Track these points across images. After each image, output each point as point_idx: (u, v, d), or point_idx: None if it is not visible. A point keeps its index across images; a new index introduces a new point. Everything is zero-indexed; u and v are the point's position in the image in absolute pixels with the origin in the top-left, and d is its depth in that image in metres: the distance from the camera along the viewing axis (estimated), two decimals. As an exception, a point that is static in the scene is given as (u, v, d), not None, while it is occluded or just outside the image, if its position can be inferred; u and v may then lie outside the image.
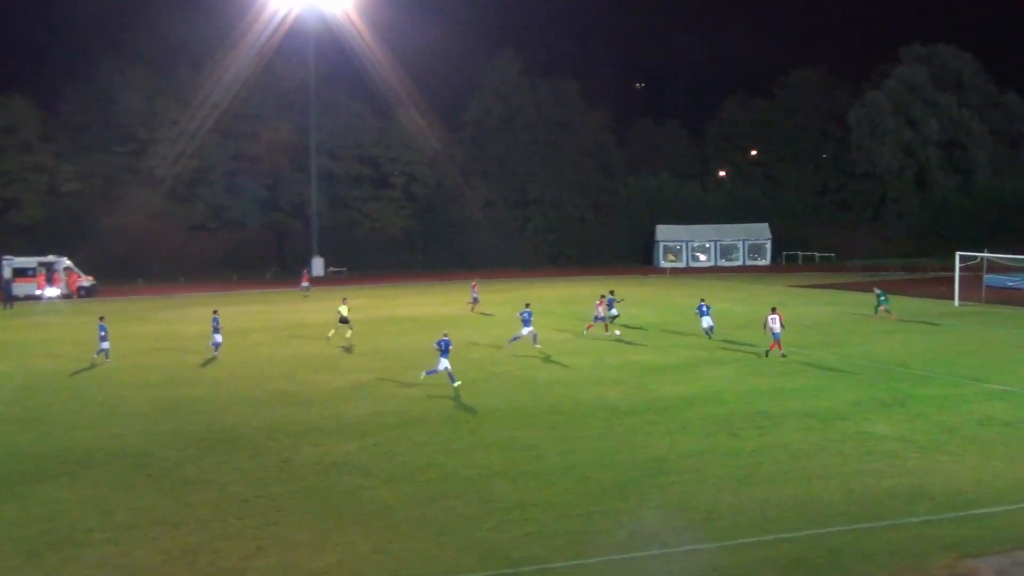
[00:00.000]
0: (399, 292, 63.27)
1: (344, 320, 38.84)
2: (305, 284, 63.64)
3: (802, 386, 27.89)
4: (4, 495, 18.27)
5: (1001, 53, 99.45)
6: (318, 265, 77.91)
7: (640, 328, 40.99)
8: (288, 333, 41.83)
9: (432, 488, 18.38)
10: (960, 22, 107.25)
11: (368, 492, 18.24)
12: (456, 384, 27.82)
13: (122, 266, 70.02)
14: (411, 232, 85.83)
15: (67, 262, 63.18)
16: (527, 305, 36.88)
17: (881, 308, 43.82)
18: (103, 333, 33.29)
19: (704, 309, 37.97)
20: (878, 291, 45.10)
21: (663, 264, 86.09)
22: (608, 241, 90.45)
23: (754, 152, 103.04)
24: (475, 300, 49.69)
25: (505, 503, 17.42)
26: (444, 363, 28.06)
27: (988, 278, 54.75)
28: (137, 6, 79.09)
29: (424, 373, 28.68)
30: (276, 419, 24.45)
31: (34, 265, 61.81)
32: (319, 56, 79.21)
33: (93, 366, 32.97)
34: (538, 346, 35.06)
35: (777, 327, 32.64)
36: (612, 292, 41.95)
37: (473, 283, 51.39)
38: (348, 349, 36.56)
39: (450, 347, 28.35)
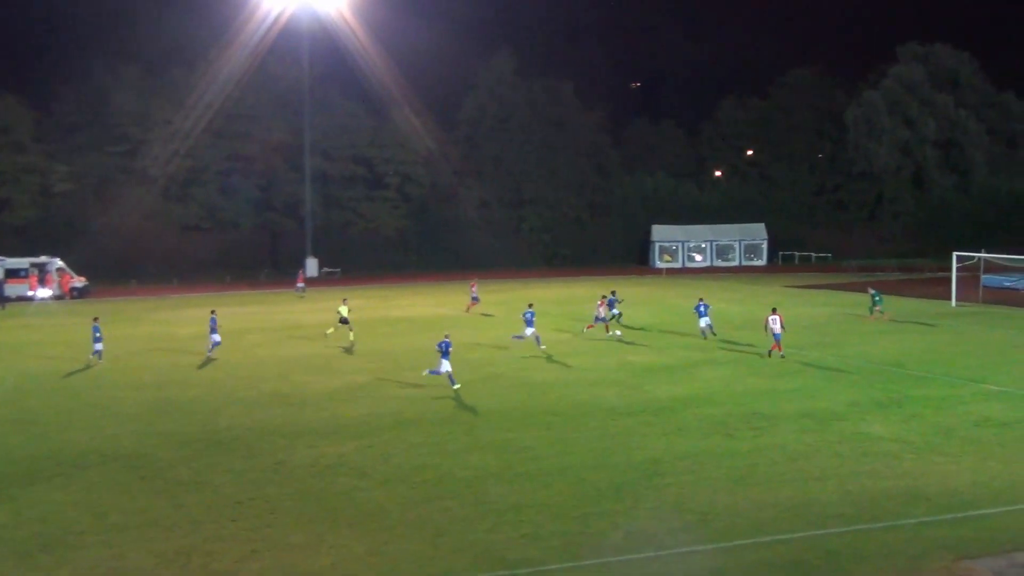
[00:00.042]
0: (394, 293, 63.11)
1: (344, 320, 38.76)
2: (301, 285, 63.55)
3: (798, 387, 27.87)
4: (-4, 497, 18.18)
5: (998, 53, 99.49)
6: (312, 266, 77.68)
7: (638, 328, 40.93)
8: (284, 334, 41.71)
9: (427, 490, 18.32)
10: (957, 21, 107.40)
11: (363, 494, 18.17)
12: (456, 387, 27.78)
13: (115, 267, 69.73)
14: (406, 232, 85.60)
15: (60, 263, 62.90)
16: (530, 305, 36.87)
17: (876, 309, 43.77)
18: (97, 334, 33.19)
19: (703, 309, 37.89)
20: (872, 291, 45.08)
21: (659, 264, 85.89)
22: (604, 241, 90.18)
23: (750, 152, 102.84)
24: (475, 300, 49.61)
25: (501, 505, 17.37)
26: (445, 365, 28.01)
27: (985, 278, 54.66)
28: (130, 6, 78.68)
29: (427, 371, 28.71)
30: (271, 420, 24.37)
31: (26, 266, 61.55)
32: (313, 56, 78.95)
33: (87, 367, 32.84)
34: (543, 347, 35.04)
35: (778, 328, 32.62)
36: (614, 292, 41.89)
37: (472, 283, 51.26)
38: (348, 350, 36.47)
39: (450, 348, 28.31)
